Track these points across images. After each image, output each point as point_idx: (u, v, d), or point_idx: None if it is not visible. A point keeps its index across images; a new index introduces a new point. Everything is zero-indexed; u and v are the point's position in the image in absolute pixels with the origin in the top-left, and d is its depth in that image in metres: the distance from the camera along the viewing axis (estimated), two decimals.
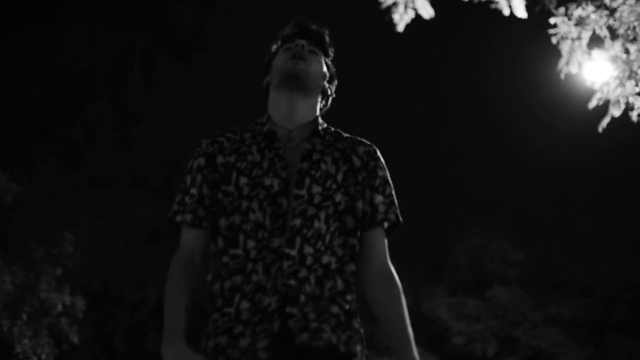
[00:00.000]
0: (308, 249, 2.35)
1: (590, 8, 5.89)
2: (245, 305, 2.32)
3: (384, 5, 6.03)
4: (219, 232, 2.44)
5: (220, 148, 2.54)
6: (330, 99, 2.75)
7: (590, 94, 6.04)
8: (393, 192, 2.61)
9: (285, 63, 2.59)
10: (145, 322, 20.13)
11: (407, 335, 2.44)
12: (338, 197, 2.44)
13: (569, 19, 5.97)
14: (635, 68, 5.89)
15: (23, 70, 15.12)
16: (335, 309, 2.35)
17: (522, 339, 23.04)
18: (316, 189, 2.42)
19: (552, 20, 6.00)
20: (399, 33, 6.06)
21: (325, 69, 2.70)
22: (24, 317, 13.36)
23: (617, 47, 5.93)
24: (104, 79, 16.00)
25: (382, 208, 2.54)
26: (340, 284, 2.39)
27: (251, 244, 2.36)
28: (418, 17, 6.02)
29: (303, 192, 2.41)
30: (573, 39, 5.97)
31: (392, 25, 6.05)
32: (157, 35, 15.92)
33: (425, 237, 28.07)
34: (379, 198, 2.54)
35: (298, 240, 2.35)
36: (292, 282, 2.31)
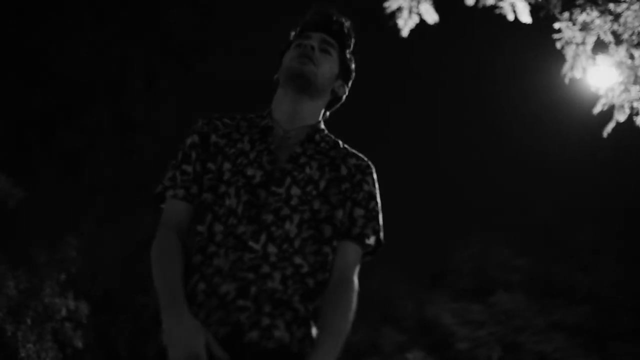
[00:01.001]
0: (272, 248, 2.26)
1: (595, 13, 5.90)
2: (201, 287, 2.23)
3: (388, 11, 6.04)
4: (195, 209, 2.39)
5: (215, 129, 2.49)
6: (342, 97, 2.67)
7: (595, 99, 6.04)
8: (378, 209, 2.48)
9: (292, 62, 2.52)
10: (147, 328, 20.13)
11: (330, 346, 2.23)
12: (317, 205, 2.35)
13: (574, 24, 5.98)
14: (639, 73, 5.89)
15: (26, 78, 15.14)
16: (296, 304, 2.24)
17: (526, 345, 23.01)
18: (295, 190, 2.34)
19: (556, 25, 6.01)
20: (401, 38, 6.07)
21: (337, 68, 2.60)
22: (28, 321, 13.38)
23: (621, 52, 5.93)
24: (105, 86, 16.02)
25: (360, 222, 2.42)
26: (312, 283, 2.29)
27: (219, 227, 2.29)
28: (422, 22, 6.03)
29: (282, 190, 2.33)
30: (577, 44, 5.97)
31: (395, 31, 6.05)
32: (158, 43, 15.95)
33: (427, 244, 28.10)
34: (358, 211, 2.43)
35: (263, 237, 2.26)
36: (251, 275, 2.21)
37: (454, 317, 24.15)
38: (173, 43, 16.01)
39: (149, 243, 2.40)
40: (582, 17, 5.95)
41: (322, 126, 2.57)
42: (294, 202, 2.33)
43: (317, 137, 2.49)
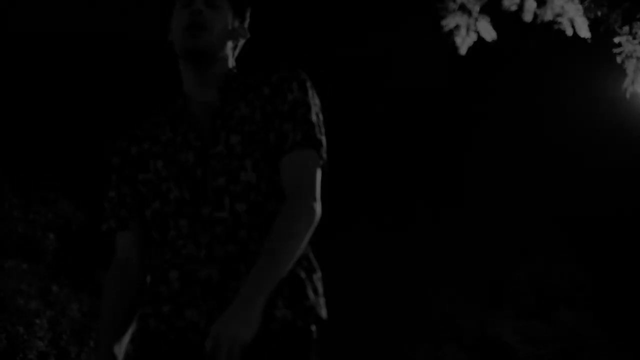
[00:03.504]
0: (240, 206, 2.03)
1: None
2: (174, 275, 2.04)
3: (446, 29, 6.04)
4: (148, 225, 2.17)
5: (133, 139, 2.27)
6: (246, 35, 2.35)
7: None
8: (309, 116, 2.15)
9: (184, 36, 2.20)
10: None
11: (261, 275, 1.91)
12: (262, 137, 2.10)
13: (634, 38, 5.92)
14: None
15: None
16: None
17: None
18: (234, 138, 2.10)
19: (616, 40, 5.95)
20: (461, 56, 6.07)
21: (230, 16, 2.28)
22: (91, 343, 13.54)
23: None
24: None
25: (290, 136, 2.10)
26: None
27: (183, 222, 2.06)
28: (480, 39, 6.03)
29: (220, 148, 2.09)
30: (638, 58, 5.91)
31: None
32: None
33: (487, 260, 27.83)
34: (288, 125, 2.12)
35: (226, 200, 2.03)
36: (231, 247, 2.01)
37: (515, 334, 23.91)
38: None
39: None
40: None
41: (234, 70, 2.30)
42: (238, 150, 2.08)
43: (234, 84, 2.22)
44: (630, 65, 5.95)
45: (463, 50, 6.05)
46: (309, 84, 2.20)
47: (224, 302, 1.93)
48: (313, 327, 2.04)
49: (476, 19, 5.96)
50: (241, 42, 2.34)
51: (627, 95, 6.03)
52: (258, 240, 2.01)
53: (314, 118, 2.15)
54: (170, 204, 2.10)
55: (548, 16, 5.93)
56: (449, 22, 6.05)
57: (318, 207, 2.07)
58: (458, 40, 5.99)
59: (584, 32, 5.82)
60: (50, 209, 14.86)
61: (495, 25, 6.04)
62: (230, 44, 2.28)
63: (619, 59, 5.99)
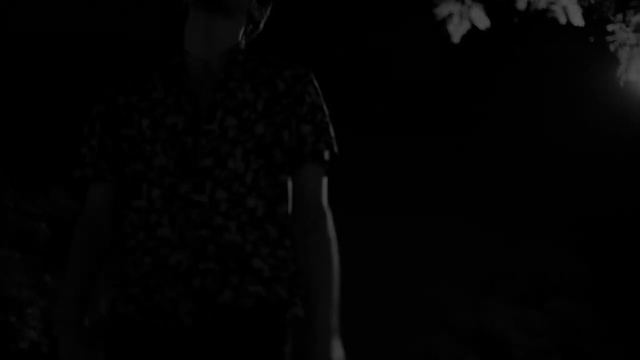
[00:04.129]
0: (221, 194, 1.96)
1: None
2: (148, 260, 1.95)
3: (439, 18, 6.01)
4: (124, 184, 2.07)
5: (123, 89, 2.15)
6: (260, 24, 2.31)
7: None
8: (327, 120, 2.14)
9: None
10: None
11: (327, 306, 1.94)
12: (260, 129, 2.02)
13: (627, 26, 5.90)
14: None
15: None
16: (258, 263, 1.96)
17: (587, 351, 22.72)
18: (231, 121, 2.02)
19: (609, 27, 5.93)
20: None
21: None
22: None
23: None
24: None
25: (310, 138, 2.08)
26: (273, 232, 2.00)
27: (156, 192, 1.98)
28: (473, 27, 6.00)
29: (214, 126, 2.00)
30: (632, 46, 5.89)
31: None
32: None
33: (483, 249, 27.89)
34: (306, 128, 2.09)
35: (208, 184, 1.96)
36: (204, 232, 1.93)
37: (510, 324, 23.95)
38: None
39: None
40: (636, 19, 5.87)
41: (244, 46, 2.24)
42: (231, 134, 2.01)
43: (240, 57, 2.14)
44: (623, 54, 5.92)
45: (456, 39, 6.02)
46: (317, 85, 2.17)
47: (190, 288, 1.90)
48: (296, 307, 2.00)
49: (469, 7, 5.93)
50: (254, 29, 2.29)
51: (621, 84, 6.01)
52: (235, 232, 1.95)
53: (329, 125, 2.14)
54: (153, 169, 2.01)
55: (542, 4, 5.90)
56: (442, 11, 6.02)
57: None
58: (451, 28, 5.96)
59: (577, 20, 5.79)
60: (43, 199, 14.85)
61: (489, 14, 6.01)
62: (244, 15, 2.22)
63: (612, 47, 5.96)
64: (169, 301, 1.91)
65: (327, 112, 2.16)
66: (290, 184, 2.07)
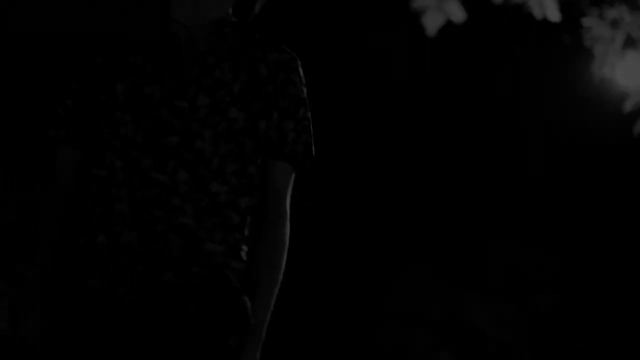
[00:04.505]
0: (183, 175, 1.90)
1: (625, 8, 5.81)
2: (102, 239, 1.90)
3: (414, 10, 5.98)
4: (90, 150, 2.00)
5: (102, 48, 2.05)
6: (259, 2, 2.17)
7: (625, 97, 5.95)
8: (308, 115, 2.06)
9: None
10: None
11: (265, 314, 1.95)
12: (233, 113, 1.94)
13: (603, 20, 5.89)
14: None
15: None
16: (210, 247, 1.92)
17: (564, 346, 22.85)
18: (203, 99, 1.94)
19: (584, 22, 5.92)
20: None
21: None
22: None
23: None
24: None
25: (291, 136, 2.02)
26: (235, 218, 1.95)
27: (119, 163, 1.91)
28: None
29: (185, 103, 1.93)
30: (607, 40, 5.88)
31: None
32: None
33: (458, 241, 27.96)
34: (288, 124, 2.01)
35: (171, 164, 1.90)
36: (158, 213, 1.88)
37: (484, 315, 24.02)
38: None
39: None
40: (611, 13, 5.86)
41: (233, 18, 2.12)
42: (202, 113, 1.94)
43: (226, 29, 2.04)
44: (598, 49, 5.92)
45: (432, 32, 5.99)
46: (302, 73, 2.07)
47: (132, 269, 1.87)
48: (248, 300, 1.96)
49: (444, 0, 5.91)
50: (246, 4, 2.15)
51: (596, 80, 6.01)
52: (190, 217, 1.90)
53: (310, 122, 2.07)
54: (118, 138, 1.94)
55: None
56: (418, 3, 5.98)
57: None
58: (426, 21, 5.93)
59: (553, 15, 5.77)
60: (26, 191, 14.76)
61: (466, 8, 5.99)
62: None
63: (588, 43, 5.96)
64: (109, 281, 1.88)
65: (308, 107, 2.07)
66: (258, 177, 2.00)
